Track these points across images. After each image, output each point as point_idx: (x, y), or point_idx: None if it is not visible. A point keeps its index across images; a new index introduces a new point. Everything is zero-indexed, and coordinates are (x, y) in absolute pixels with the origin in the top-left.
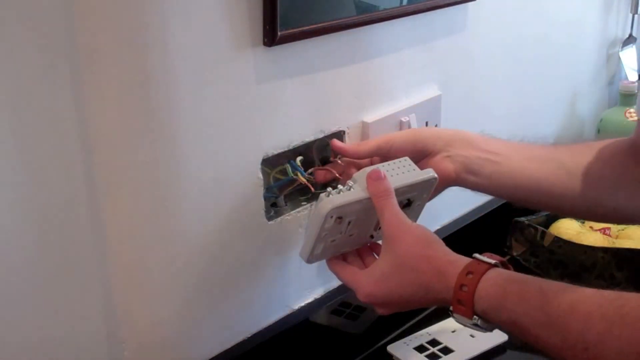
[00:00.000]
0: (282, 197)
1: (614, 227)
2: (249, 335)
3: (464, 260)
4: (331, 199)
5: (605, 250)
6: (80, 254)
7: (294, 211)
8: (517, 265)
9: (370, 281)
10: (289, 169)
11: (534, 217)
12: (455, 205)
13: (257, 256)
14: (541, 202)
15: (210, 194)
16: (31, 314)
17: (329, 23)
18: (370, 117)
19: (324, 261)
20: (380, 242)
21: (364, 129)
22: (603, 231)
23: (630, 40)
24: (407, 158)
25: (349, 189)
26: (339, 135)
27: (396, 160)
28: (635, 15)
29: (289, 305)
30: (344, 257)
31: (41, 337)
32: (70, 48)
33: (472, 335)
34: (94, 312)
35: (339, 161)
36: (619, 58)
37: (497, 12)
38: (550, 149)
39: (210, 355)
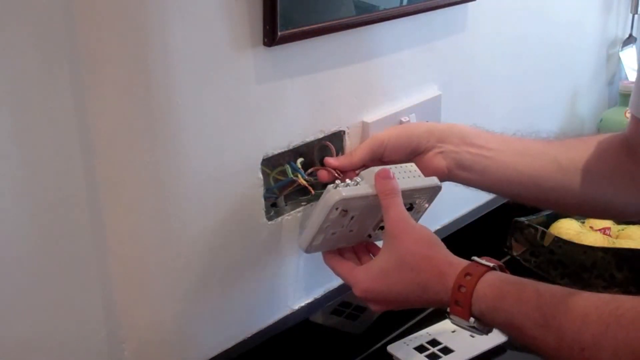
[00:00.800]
0: (282, 197)
1: (614, 227)
2: (249, 335)
3: (463, 262)
4: (340, 190)
5: (605, 250)
6: (81, 254)
7: (293, 211)
8: (517, 266)
9: (369, 277)
10: (289, 170)
11: (534, 217)
12: (455, 205)
13: (257, 256)
14: (534, 197)
15: (210, 194)
16: (31, 314)
17: (329, 23)
18: (370, 117)
19: (324, 262)
20: (377, 242)
21: (364, 129)
22: (603, 231)
23: (630, 40)
24: (413, 164)
25: (356, 184)
26: (339, 135)
27: (402, 165)
28: (635, 15)
29: (288, 305)
30: (340, 253)
31: (41, 337)
32: (71, 48)
33: (472, 336)
34: (94, 312)
35: None
36: (619, 58)
37: (497, 12)
38: (544, 144)
39: (210, 355)
